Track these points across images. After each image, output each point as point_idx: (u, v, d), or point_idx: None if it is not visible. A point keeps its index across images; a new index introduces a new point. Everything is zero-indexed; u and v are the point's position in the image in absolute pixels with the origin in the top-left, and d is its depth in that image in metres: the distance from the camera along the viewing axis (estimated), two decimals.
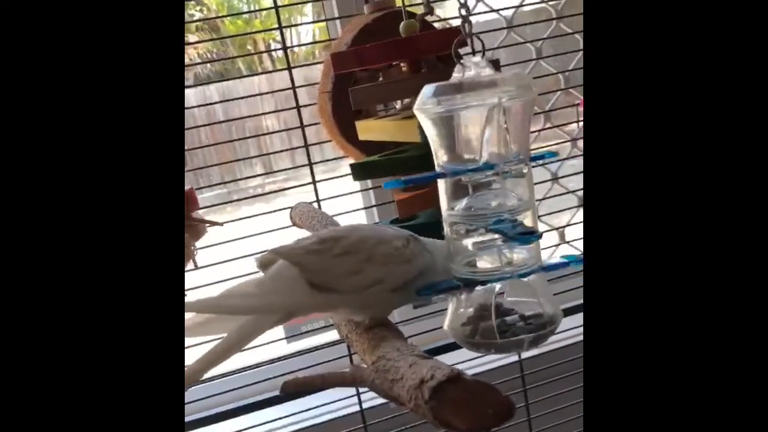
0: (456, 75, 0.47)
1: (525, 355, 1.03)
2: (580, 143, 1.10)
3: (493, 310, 0.46)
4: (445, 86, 0.45)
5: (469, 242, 0.48)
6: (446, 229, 0.49)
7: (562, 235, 1.17)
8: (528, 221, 0.46)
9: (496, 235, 0.46)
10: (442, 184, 0.48)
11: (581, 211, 1.12)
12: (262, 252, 0.52)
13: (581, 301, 0.97)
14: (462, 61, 0.47)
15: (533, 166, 0.48)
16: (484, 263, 0.48)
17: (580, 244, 1.15)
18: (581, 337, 0.99)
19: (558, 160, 1.08)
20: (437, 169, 0.48)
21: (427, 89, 0.46)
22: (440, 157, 0.47)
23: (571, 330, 0.93)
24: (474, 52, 0.49)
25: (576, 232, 1.16)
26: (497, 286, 0.46)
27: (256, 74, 2.28)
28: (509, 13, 1.06)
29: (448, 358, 0.53)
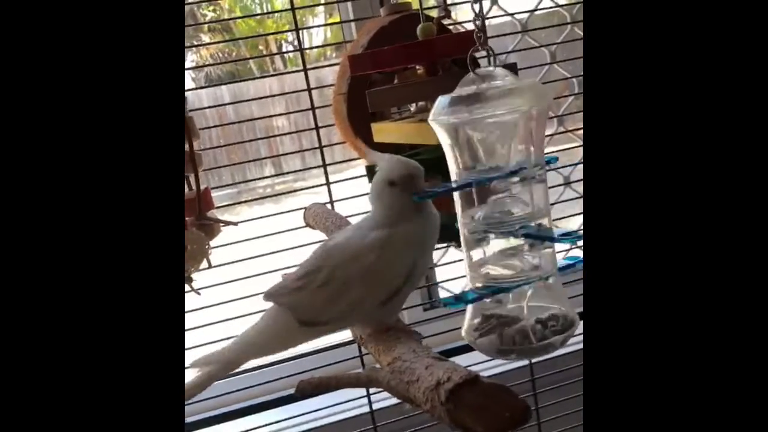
0: (470, 85, 0.47)
1: (535, 359, 1.03)
2: None
3: (526, 314, 0.47)
4: (462, 97, 0.45)
5: (490, 250, 0.48)
6: (463, 238, 0.48)
7: None
8: (546, 225, 0.46)
9: (521, 241, 0.46)
10: (456, 193, 0.48)
11: None
12: (274, 252, 0.53)
13: None
14: (476, 70, 0.47)
15: (547, 171, 0.48)
16: (503, 270, 0.47)
17: None
18: None
19: (570, 165, 1.08)
20: (452, 177, 0.47)
21: (443, 99, 0.45)
22: (455, 166, 0.47)
23: (581, 334, 0.92)
24: (489, 59, 0.49)
25: None
26: (528, 291, 0.46)
27: (269, 75, 2.29)
28: (524, 16, 1.06)
29: (458, 360, 0.52)
